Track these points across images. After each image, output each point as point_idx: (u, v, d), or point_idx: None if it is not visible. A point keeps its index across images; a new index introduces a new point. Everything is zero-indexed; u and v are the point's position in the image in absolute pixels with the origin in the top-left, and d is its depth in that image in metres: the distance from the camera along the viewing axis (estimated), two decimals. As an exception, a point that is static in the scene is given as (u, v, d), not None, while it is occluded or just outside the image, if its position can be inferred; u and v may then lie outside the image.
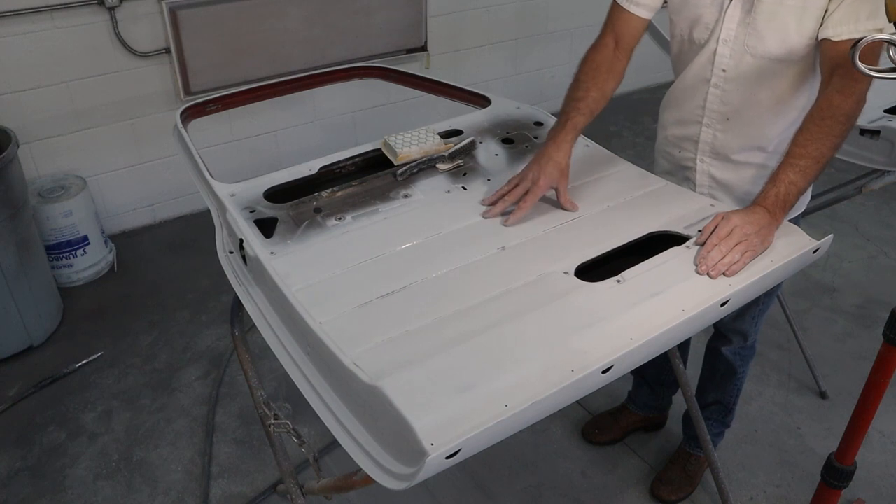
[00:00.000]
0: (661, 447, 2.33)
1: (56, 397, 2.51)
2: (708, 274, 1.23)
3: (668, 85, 1.70)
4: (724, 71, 1.53)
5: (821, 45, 1.39)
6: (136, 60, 3.08)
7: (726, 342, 1.97)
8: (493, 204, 1.44)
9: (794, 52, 1.44)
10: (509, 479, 2.22)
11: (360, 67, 2.02)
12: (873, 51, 1.23)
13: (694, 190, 1.71)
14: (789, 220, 1.37)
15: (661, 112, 1.75)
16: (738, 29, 1.46)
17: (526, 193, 1.42)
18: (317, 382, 1.14)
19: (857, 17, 1.31)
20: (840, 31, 1.33)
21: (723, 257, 1.24)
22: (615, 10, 1.60)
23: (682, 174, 1.73)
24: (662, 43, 2.52)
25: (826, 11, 1.36)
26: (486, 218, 1.42)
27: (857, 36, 1.24)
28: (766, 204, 1.32)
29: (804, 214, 1.75)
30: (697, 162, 1.68)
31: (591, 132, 1.78)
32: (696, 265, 1.25)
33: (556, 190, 1.45)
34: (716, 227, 1.29)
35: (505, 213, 1.43)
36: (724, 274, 1.23)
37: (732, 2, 1.45)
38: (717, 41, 1.50)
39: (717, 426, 2.15)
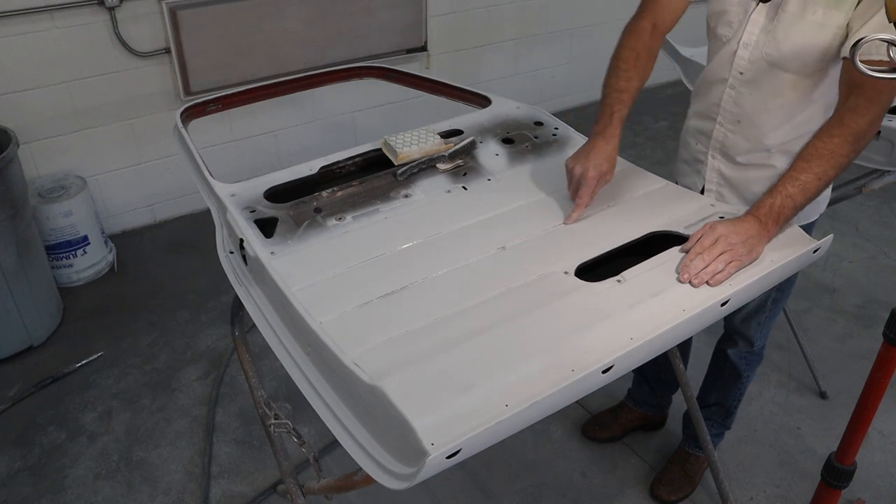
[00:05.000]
0: (661, 447, 2.33)
1: (56, 397, 2.51)
2: (690, 283, 1.21)
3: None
4: (741, 73, 1.54)
5: (842, 64, 1.38)
6: (136, 60, 3.08)
7: (732, 344, 1.97)
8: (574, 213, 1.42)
9: (808, 66, 1.44)
10: (509, 479, 2.22)
11: (360, 67, 2.02)
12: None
13: (703, 184, 1.72)
14: (803, 225, 1.36)
15: (691, 101, 1.76)
16: (760, 35, 1.47)
17: (579, 188, 1.41)
18: (317, 382, 1.14)
19: None
20: (861, 50, 1.33)
21: (706, 266, 1.22)
22: None
23: (694, 167, 1.75)
24: (667, 48, 2.51)
25: (849, 30, 1.35)
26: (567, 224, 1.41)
27: (876, 58, 1.24)
28: (759, 214, 1.30)
29: None
30: (709, 157, 1.69)
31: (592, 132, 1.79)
32: (679, 273, 1.23)
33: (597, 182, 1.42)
34: (701, 237, 1.27)
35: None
36: (707, 283, 1.21)
37: (757, 7, 1.46)
38: (739, 43, 1.51)
39: (717, 427, 2.15)
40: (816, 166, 1.31)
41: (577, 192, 1.42)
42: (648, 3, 1.58)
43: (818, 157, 1.31)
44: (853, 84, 1.33)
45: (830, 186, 1.49)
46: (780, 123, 1.55)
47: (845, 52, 1.36)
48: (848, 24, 1.36)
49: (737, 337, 1.94)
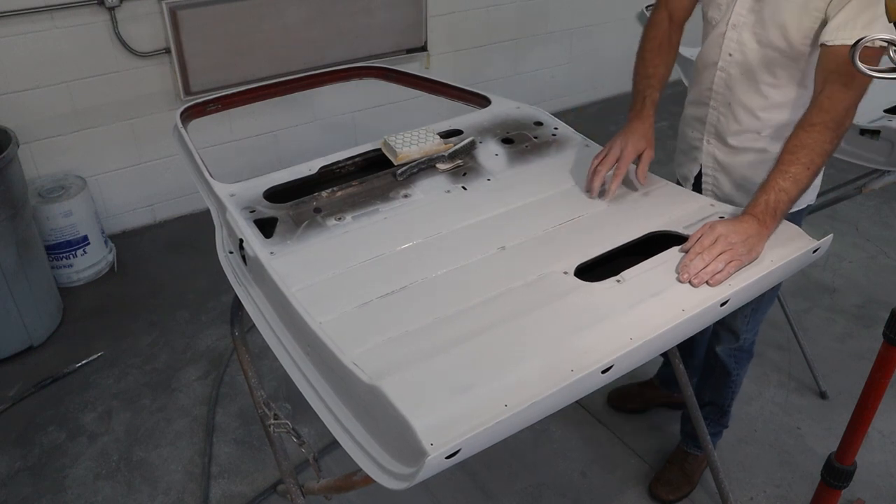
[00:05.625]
0: (661, 447, 2.33)
1: (56, 397, 2.51)
2: (690, 283, 1.21)
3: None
4: (730, 55, 1.56)
5: (819, 51, 1.39)
6: (136, 60, 3.08)
7: (719, 341, 1.97)
8: (591, 181, 1.49)
9: (794, 48, 1.46)
10: (509, 479, 2.22)
11: (360, 67, 2.02)
12: (872, 57, 1.23)
13: (699, 171, 1.74)
14: (795, 211, 1.37)
15: (687, 92, 1.80)
16: (748, 15, 1.50)
17: (617, 162, 1.49)
18: (317, 382, 1.14)
19: (855, 24, 1.31)
20: (835, 36, 1.34)
21: (705, 266, 1.22)
22: None
23: (692, 154, 1.77)
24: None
25: (827, 16, 1.37)
26: (590, 198, 1.48)
27: (850, 42, 1.24)
28: (756, 212, 1.31)
29: (810, 212, 1.75)
30: (704, 143, 1.71)
31: (592, 132, 1.79)
32: (678, 273, 1.24)
33: (640, 157, 1.51)
34: (700, 236, 1.28)
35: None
36: (707, 283, 1.22)
37: None
38: (727, 24, 1.54)
39: (714, 426, 2.15)
40: (804, 157, 1.33)
41: (616, 168, 1.50)
42: None
43: (803, 148, 1.34)
44: (828, 70, 1.35)
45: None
46: (770, 105, 1.56)
47: (822, 38, 1.37)
48: (826, 11, 1.37)
49: (721, 331, 1.94)
